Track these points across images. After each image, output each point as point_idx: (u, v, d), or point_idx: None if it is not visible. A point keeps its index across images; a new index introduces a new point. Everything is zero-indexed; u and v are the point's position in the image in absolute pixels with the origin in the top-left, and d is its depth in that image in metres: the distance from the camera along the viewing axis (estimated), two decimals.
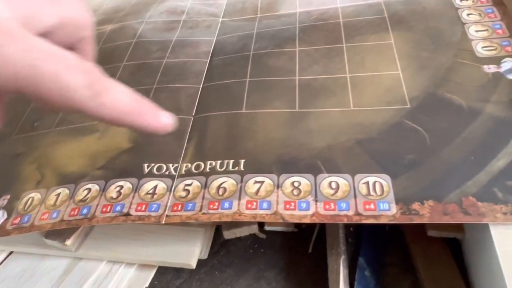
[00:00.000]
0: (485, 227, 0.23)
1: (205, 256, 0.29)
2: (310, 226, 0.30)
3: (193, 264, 0.27)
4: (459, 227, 0.27)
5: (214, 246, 0.31)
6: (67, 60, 0.20)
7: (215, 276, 0.29)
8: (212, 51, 0.38)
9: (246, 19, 0.42)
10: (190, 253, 0.27)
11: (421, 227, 0.28)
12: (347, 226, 0.30)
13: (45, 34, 0.21)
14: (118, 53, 0.40)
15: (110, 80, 0.22)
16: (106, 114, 0.21)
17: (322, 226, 0.30)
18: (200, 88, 0.35)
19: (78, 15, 0.23)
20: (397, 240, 0.29)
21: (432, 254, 0.27)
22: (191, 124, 0.32)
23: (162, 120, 0.23)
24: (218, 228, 0.31)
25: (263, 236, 0.31)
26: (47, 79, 0.19)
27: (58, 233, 0.28)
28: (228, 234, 0.29)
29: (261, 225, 0.30)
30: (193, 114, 0.32)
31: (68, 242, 0.28)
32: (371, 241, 0.29)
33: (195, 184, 0.27)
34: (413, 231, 0.29)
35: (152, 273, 0.28)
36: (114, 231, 0.29)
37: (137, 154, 0.30)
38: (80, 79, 0.20)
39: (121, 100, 0.22)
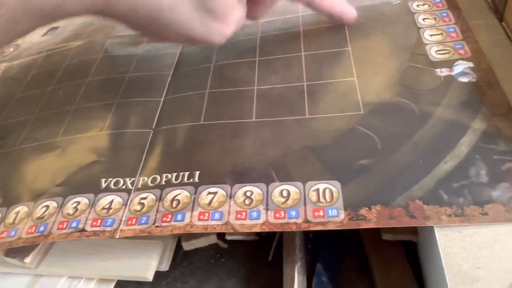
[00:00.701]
0: (431, 229, 0.24)
1: (166, 268, 0.29)
2: (271, 234, 0.31)
3: (149, 277, 0.27)
4: (414, 230, 0.28)
5: (177, 257, 0.31)
6: None
7: None
8: (176, 63, 0.39)
9: None
10: (146, 266, 0.27)
11: (378, 231, 0.28)
12: (306, 233, 0.30)
13: None
14: (84, 69, 0.41)
15: None
16: (325, 4, 0.35)
17: (282, 233, 0.30)
18: (162, 101, 0.35)
19: None
20: (355, 245, 0.29)
21: (387, 258, 0.28)
22: (150, 137, 0.32)
23: (351, 11, 0.37)
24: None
25: (224, 245, 0.31)
26: None
27: (18, 251, 0.28)
28: (187, 246, 0.29)
29: (223, 234, 0.30)
30: (153, 127, 0.33)
31: (27, 259, 0.28)
32: (329, 247, 0.30)
33: (150, 197, 0.28)
34: (370, 235, 0.29)
35: (111, 287, 0.28)
36: (73, 246, 0.29)
37: (96, 169, 0.31)
38: None
39: None
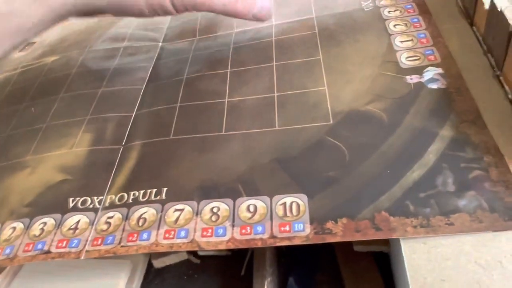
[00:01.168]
0: (398, 240, 0.23)
1: (137, 287, 0.29)
2: (244, 249, 0.30)
3: None
4: (385, 241, 0.27)
5: (149, 275, 0.30)
6: None
7: None
8: (149, 77, 0.38)
9: (184, 43, 0.42)
10: (113, 286, 0.27)
11: (350, 243, 0.28)
12: (279, 246, 0.30)
13: None
14: (57, 85, 0.40)
15: None
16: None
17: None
18: (133, 116, 0.35)
19: None
20: (328, 257, 0.29)
21: (359, 269, 0.27)
22: (119, 154, 0.32)
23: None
24: None
25: (197, 261, 0.30)
26: None
27: None
28: (157, 263, 0.29)
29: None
30: (123, 144, 0.32)
31: None
32: (302, 260, 0.29)
33: (116, 216, 0.27)
34: (342, 247, 0.29)
35: None
36: (42, 267, 0.29)
37: (65, 188, 0.30)
38: None
39: None
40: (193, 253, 0.30)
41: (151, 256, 0.29)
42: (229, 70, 0.36)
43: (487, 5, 0.32)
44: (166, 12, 0.32)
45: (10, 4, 0.24)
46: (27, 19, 0.26)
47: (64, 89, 0.40)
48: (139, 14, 0.32)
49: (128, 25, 0.47)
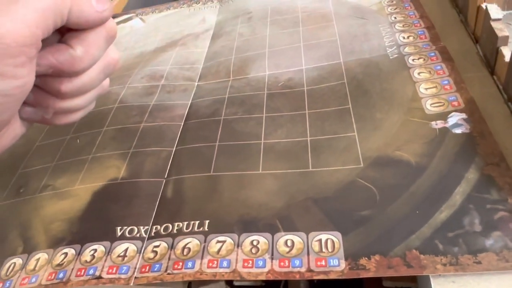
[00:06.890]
0: (428, 278, 0.25)
1: None
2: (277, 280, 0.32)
3: None
4: (413, 277, 0.29)
5: None
6: None
7: None
8: (187, 114, 0.41)
9: (219, 82, 0.45)
10: None
11: (379, 278, 0.29)
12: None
13: None
14: (101, 118, 0.43)
15: None
16: None
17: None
18: (174, 151, 0.37)
19: None
20: None
21: None
22: (162, 186, 0.34)
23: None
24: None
25: None
26: None
27: None
28: None
29: (231, 280, 0.32)
30: (165, 177, 0.35)
31: None
32: None
33: (162, 245, 0.29)
34: (371, 282, 0.30)
35: None
36: None
37: (112, 217, 0.32)
38: None
39: None
40: (227, 282, 0.32)
41: (192, 284, 0.31)
42: (264, 115, 0.38)
43: (507, 58, 0.34)
44: None
45: None
46: None
47: (107, 122, 0.42)
48: None
49: (164, 63, 0.50)
